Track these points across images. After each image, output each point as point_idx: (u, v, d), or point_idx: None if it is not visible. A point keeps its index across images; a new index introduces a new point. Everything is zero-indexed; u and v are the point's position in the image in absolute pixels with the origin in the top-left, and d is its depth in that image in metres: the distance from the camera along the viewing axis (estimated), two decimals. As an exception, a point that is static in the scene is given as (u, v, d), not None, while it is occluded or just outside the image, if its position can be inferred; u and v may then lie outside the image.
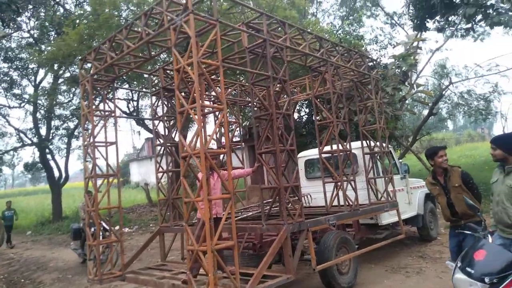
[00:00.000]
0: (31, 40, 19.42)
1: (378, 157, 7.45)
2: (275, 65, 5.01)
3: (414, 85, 12.48)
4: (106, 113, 5.69)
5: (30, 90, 20.84)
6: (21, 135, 20.92)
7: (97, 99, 5.75)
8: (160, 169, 6.49)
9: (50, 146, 21.12)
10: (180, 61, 4.01)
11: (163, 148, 6.41)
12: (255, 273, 4.15)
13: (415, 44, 11.90)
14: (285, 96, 5.20)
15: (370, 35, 19.08)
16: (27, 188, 59.57)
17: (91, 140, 5.47)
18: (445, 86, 17.23)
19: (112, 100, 5.84)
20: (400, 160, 8.99)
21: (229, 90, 8.17)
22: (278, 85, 5.28)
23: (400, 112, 12.15)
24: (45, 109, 19.95)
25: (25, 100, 20.48)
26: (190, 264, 3.95)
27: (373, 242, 7.04)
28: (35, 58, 16.93)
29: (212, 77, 5.82)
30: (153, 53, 5.43)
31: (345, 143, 6.34)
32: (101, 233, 9.26)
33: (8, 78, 20.36)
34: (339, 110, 6.55)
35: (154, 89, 6.58)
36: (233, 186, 4.32)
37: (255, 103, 5.66)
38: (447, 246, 5.00)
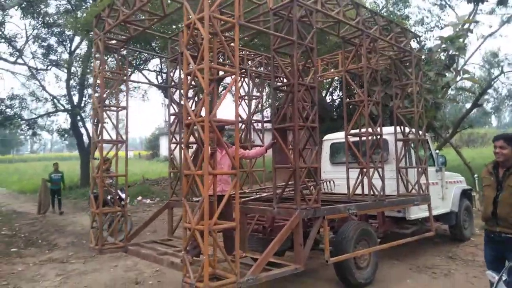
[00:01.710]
0: (68, 6, 19.55)
1: (412, 145, 6.73)
2: (301, 30, 4.41)
3: (461, 72, 11.34)
4: (118, 75, 5.32)
5: (65, 56, 21.11)
6: (55, 101, 21.38)
7: (112, 61, 5.37)
8: (174, 140, 6.13)
9: (82, 114, 21.48)
10: (191, 14, 3.52)
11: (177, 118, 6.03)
12: (259, 260, 3.71)
13: (466, 26, 10.74)
14: (312, 67, 4.60)
15: (416, 16, 17.68)
16: (63, 154, 62.10)
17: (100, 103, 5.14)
18: (495, 76, 15.74)
19: (125, 62, 5.47)
20: (437, 151, 8.19)
21: (253, 62, 7.59)
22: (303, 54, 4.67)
23: (441, 100, 11.12)
24: (78, 76, 20.19)
25: (56, 64, 20.76)
26: (186, 243, 3.56)
27: (399, 237, 6.44)
28: (71, 25, 16.98)
29: (231, 44, 5.29)
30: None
31: (375, 127, 5.68)
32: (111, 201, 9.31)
33: (46, 44, 20.73)
34: (373, 91, 5.87)
35: (172, 54, 6.15)
36: (240, 164, 3.84)
37: (278, 75, 5.12)
38: (482, 249, 4.35)
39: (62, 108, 21.35)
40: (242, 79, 7.07)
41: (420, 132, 6.54)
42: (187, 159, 3.53)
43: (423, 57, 13.41)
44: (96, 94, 5.29)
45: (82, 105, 21.36)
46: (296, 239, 4.18)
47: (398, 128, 6.58)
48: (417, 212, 6.80)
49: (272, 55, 4.52)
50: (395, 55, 6.46)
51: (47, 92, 21.58)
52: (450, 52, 10.45)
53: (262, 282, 3.77)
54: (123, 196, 9.37)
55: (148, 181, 21.75)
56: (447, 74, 11.88)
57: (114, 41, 5.36)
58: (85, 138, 21.82)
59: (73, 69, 20.35)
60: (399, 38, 6.22)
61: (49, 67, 21.13)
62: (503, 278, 2.38)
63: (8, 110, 21.22)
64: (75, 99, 21.37)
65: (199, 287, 3.25)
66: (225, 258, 3.48)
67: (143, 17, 5.02)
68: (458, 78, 11.69)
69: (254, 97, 6.98)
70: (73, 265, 7.25)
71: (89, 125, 22.60)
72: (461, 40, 10.07)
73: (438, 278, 5.76)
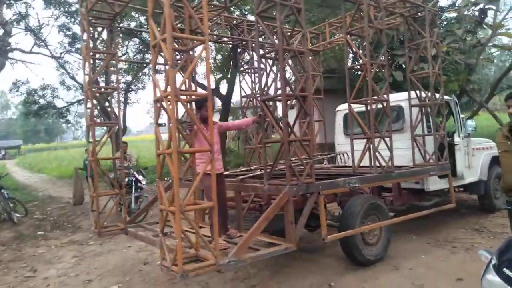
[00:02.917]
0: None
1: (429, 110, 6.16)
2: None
3: (493, 27, 10.26)
4: (107, 55, 5.16)
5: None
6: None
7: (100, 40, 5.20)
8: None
9: (109, 98, 21.89)
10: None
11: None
12: (241, 240, 3.50)
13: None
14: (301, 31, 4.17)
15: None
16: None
17: (90, 85, 5.02)
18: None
19: (113, 40, 5.28)
20: (464, 117, 7.49)
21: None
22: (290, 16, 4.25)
23: (472, 61, 10.16)
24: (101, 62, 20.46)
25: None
26: (162, 226, 3.40)
27: (419, 210, 6.01)
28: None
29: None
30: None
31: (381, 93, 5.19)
32: (133, 184, 9.42)
33: (71, 33, 21.10)
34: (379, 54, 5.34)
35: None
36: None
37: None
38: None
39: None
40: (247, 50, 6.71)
41: (437, 95, 5.94)
42: (158, 138, 3.32)
43: (454, 14, 12.30)
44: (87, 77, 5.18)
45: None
46: (286, 217, 3.92)
47: (413, 93, 6.04)
48: (436, 183, 6.30)
49: (256, 20, 4.14)
50: (406, 11, 5.82)
51: (75, 81, 22.16)
52: (480, 6, 9.43)
53: (248, 263, 3.57)
54: (140, 178, 9.50)
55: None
56: (479, 32, 10.85)
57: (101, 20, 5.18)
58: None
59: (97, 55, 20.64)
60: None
61: (72, 54, 21.48)
62: (493, 262, 2.00)
63: (41, 100, 22.10)
64: (103, 84, 21.83)
65: (174, 271, 3.10)
66: (203, 241, 3.29)
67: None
68: (488, 33, 10.60)
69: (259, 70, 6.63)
70: (91, 246, 7.44)
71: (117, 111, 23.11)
72: (492, -10, 9.02)
73: (457, 253, 5.32)
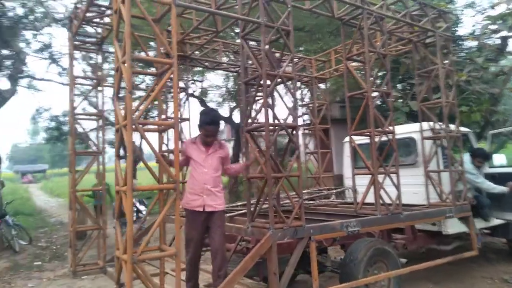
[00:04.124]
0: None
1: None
2: (268, 9, 3.62)
3: (516, 55, 9.63)
4: (94, 81, 4.93)
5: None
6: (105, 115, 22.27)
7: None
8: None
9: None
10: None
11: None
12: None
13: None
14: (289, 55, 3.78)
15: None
16: (111, 166, 65.96)
17: (76, 111, 4.77)
18: None
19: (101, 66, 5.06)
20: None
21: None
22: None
23: (496, 90, 9.47)
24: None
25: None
26: (117, 277, 2.94)
27: (439, 255, 5.30)
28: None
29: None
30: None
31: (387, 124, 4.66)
32: (134, 214, 9.10)
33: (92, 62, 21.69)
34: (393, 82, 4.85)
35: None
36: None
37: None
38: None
39: (108, 122, 22.21)
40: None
41: (453, 126, 5.35)
42: (116, 172, 2.92)
43: (475, 43, 11.70)
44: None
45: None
46: (269, 266, 3.37)
47: (427, 124, 5.48)
48: (456, 225, 5.58)
49: (241, 43, 3.79)
50: (415, 37, 5.36)
51: (95, 108, 22.53)
52: (502, 34, 8.85)
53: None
54: (141, 208, 9.18)
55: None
56: (502, 59, 10.19)
57: (87, 44, 4.99)
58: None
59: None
60: (417, 17, 5.12)
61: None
62: None
63: (63, 126, 22.60)
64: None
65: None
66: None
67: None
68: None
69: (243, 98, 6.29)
70: (83, 281, 7.00)
71: (135, 136, 23.37)
72: (515, 17, 8.45)
73: (481, 310, 4.57)
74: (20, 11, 12.03)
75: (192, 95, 19.60)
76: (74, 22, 4.61)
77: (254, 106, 3.99)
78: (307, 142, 8.11)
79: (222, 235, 3.40)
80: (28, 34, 17.30)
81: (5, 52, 12.19)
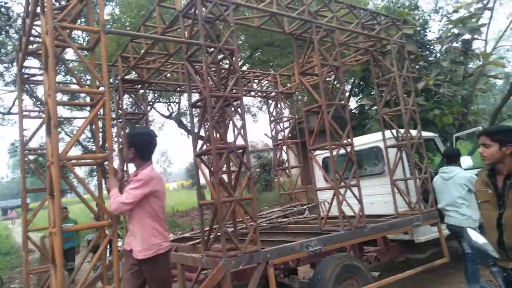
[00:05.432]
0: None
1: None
2: (210, 30, 3.54)
3: (480, 56, 9.79)
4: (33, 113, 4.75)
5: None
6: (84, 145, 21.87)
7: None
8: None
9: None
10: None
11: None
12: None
13: (479, 4, 9.26)
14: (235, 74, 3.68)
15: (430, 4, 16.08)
16: (74, 198, 64.57)
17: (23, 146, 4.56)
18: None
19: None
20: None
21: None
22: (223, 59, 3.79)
23: (463, 92, 9.60)
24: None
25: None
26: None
27: (414, 264, 5.19)
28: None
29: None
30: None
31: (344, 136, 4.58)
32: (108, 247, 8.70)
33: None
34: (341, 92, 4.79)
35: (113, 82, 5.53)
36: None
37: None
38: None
39: (86, 150, 21.79)
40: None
41: (414, 133, 5.31)
42: (49, 214, 2.74)
43: (443, 47, 11.93)
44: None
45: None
46: (223, 297, 3.19)
47: (390, 133, 5.44)
48: (428, 232, 5.50)
49: (185, 65, 3.69)
50: (370, 46, 5.36)
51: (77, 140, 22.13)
52: (464, 36, 9.02)
53: None
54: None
55: (178, 213, 21.44)
56: (468, 62, 10.36)
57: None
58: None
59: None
60: (370, 25, 5.13)
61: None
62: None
63: (40, 158, 22.04)
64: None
65: None
66: None
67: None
68: (479, 63, 10.11)
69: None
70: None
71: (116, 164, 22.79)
72: (473, 20, 8.62)
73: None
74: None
75: (169, 117, 19.44)
76: (19, 55, 4.45)
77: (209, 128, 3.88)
78: (285, 158, 8.00)
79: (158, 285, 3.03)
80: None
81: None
